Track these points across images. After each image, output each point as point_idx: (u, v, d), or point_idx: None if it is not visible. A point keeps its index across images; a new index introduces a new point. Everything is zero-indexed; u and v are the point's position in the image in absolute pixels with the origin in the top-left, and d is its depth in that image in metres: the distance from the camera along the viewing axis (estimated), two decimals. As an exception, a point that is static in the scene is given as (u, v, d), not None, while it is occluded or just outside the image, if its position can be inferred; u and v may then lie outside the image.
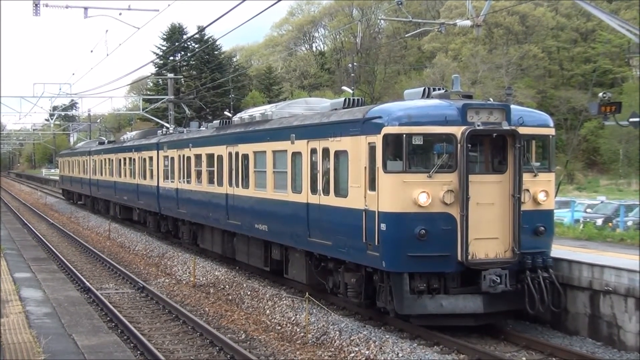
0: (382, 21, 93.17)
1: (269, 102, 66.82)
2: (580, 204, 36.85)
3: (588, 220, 31.84)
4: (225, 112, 60.35)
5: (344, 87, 66.07)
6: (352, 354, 14.99)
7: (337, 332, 16.25)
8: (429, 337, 15.76)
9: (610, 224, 31.59)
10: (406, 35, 63.51)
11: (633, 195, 48.87)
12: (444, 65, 77.28)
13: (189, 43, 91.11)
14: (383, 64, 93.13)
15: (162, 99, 56.48)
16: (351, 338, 15.76)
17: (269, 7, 20.93)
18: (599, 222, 31.73)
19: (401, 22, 77.98)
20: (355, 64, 73.66)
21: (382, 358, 14.43)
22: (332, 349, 15.51)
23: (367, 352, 14.90)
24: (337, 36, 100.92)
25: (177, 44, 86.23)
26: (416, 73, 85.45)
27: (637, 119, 21.94)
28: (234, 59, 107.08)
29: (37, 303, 18.49)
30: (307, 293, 17.74)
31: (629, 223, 31.05)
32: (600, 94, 22.01)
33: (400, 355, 14.39)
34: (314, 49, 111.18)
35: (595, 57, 76.26)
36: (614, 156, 67.07)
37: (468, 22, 27.89)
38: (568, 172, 65.93)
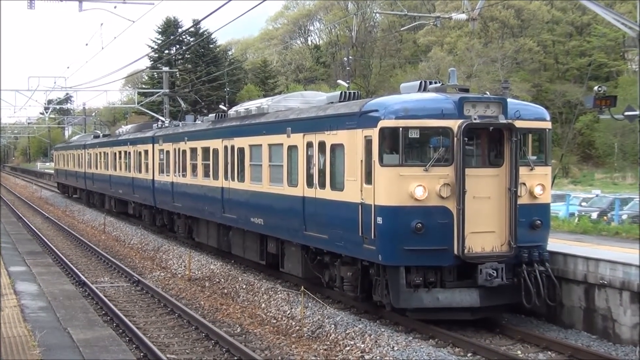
0: (377, 15, 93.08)
1: (265, 96, 66.73)
2: (575, 198, 36.86)
3: (583, 213, 31.86)
4: (221, 106, 60.29)
5: (339, 81, 66.05)
6: (348, 348, 14.94)
7: (333, 326, 16.20)
8: (424, 330, 15.75)
9: (605, 217, 31.61)
10: (402, 29, 63.56)
11: (628, 189, 48.91)
12: (439, 59, 77.15)
13: (184, 36, 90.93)
14: (378, 57, 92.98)
15: (158, 92, 56.40)
16: (346, 331, 15.72)
17: (263, 1, 20.90)
18: (594, 215, 31.74)
19: (396, 16, 78.02)
20: (350, 57, 73.54)
21: (378, 351, 14.38)
22: (328, 343, 15.47)
23: (362, 345, 14.87)
24: (333, 30, 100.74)
25: (172, 37, 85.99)
26: (411, 67, 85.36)
27: (632, 113, 21.96)
28: (229, 53, 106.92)
29: (32, 297, 18.39)
30: (302, 287, 17.72)
31: (624, 217, 31.05)
32: (596, 88, 21.99)
33: (395, 348, 14.35)
34: (310, 42, 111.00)
35: (591, 51, 76.17)
36: (609, 150, 67.06)
37: (463, 16, 27.92)
38: (563, 165, 66.01)
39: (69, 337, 14.30)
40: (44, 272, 22.96)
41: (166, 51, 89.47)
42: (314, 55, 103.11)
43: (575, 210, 33.18)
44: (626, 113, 22.35)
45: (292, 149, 19.10)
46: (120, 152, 39.75)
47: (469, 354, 14.46)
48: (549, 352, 14.59)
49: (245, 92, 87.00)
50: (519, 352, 14.72)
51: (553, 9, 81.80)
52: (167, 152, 30.70)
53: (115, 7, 29.30)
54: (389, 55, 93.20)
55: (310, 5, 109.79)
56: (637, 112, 21.91)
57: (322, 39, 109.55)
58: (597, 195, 38.05)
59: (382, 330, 15.63)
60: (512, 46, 76.87)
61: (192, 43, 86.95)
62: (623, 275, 14.88)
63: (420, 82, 16.93)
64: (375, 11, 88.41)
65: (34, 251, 28.46)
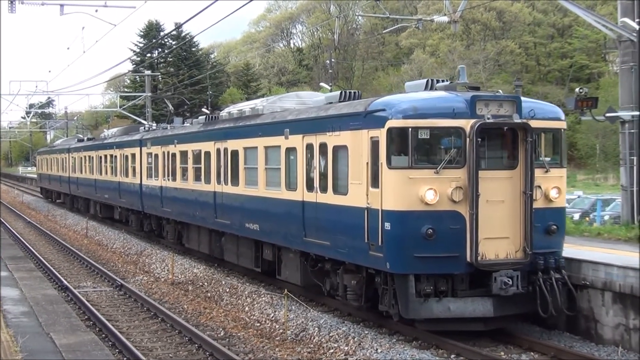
0: (359, 17, 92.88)
1: (247, 99, 66.17)
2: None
3: (570, 215, 31.50)
4: (203, 109, 59.61)
5: (322, 84, 65.53)
6: (331, 350, 14.70)
7: (316, 329, 16.01)
8: (407, 332, 15.36)
9: (587, 218, 31.37)
10: (384, 32, 63.16)
11: (610, 190, 48.79)
12: (422, 61, 77.28)
13: (166, 40, 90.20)
14: (361, 60, 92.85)
15: (140, 95, 55.79)
16: (330, 334, 15.50)
17: (245, 3, 20.49)
18: (576, 216, 31.38)
19: (379, 18, 77.51)
20: (333, 60, 73.18)
21: (361, 354, 14.12)
22: (311, 345, 15.25)
23: (346, 347, 14.61)
24: (315, 32, 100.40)
25: (154, 40, 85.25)
26: (394, 69, 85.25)
27: (613, 114, 21.73)
28: (212, 56, 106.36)
29: (14, 302, 18.31)
30: (285, 290, 17.24)
31: (606, 217, 30.79)
32: (577, 90, 21.81)
33: (379, 350, 14.09)
34: (292, 45, 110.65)
35: (572, 53, 76.58)
36: (591, 151, 67.12)
37: (445, 18, 27.75)
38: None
39: (51, 342, 14.26)
40: (26, 277, 22.93)
41: (148, 54, 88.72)
42: (297, 58, 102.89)
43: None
44: (607, 114, 22.19)
45: (291, 151, 18.35)
46: (106, 156, 38.93)
47: (453, 356, 14.13)
48: (532, 353, 14.34)
49: (227, 95, 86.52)
50: (502, 353, 14.41)
51: (534, 11, 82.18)
52: (156, 155, 29.88)
53: (96, 11, 29.20)
54: (372, 57, 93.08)
55: (292, 8, 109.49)
56: (618, 114, 21.67)
57: (304, 41, 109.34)
58: (579, 197, 37.89)
59: (366, 332, 15.43)
60: (494, 48, 77.17)
61: (174, 46, 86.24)
62: (605, 275, 14.64)
63: (427, 80, 16.12)
64: (357, 14, 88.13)
65: (15, 256, 28.31)
